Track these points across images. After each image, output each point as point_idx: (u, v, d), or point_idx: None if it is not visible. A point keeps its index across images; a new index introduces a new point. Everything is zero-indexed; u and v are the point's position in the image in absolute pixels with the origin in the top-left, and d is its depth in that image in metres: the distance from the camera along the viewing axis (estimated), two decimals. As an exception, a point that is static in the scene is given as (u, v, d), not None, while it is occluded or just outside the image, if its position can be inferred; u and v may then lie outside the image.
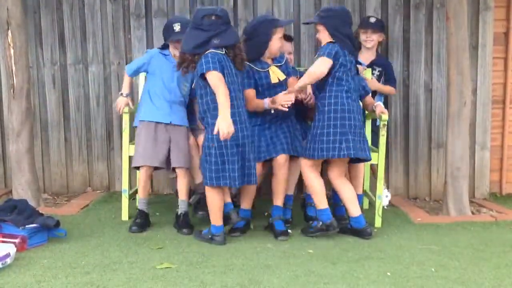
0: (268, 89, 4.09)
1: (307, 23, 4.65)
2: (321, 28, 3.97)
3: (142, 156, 4.16)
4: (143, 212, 4.26)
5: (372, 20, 4.88)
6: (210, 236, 3.87)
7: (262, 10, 5.21)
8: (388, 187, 5.17)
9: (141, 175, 4.21)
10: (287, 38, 4.55)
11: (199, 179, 4.26)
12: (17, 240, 3.58)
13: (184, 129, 4.26)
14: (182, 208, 4.22)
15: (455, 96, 4.52)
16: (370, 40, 4.84)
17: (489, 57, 5.20)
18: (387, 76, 4.93)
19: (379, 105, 4.39)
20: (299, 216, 4.42)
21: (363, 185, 4.62)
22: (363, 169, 4.32)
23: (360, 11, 5.19)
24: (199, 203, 4.33)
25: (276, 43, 4.06)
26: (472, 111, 5.07)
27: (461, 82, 4.50)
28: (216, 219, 3.85)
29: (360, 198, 4.32)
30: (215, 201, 3.82)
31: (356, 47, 4.59)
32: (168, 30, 4.27)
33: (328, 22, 3.93)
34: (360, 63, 4.78)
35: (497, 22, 5.22)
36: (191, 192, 4.39)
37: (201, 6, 5.21)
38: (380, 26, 4.91)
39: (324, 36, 3.96)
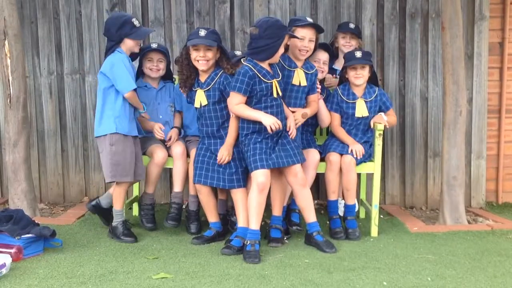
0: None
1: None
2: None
3: None
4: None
5: (352, 25, 4.85)
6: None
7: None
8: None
9: None
10: (323, 47, 4.40)
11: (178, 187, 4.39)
12: (12, 250, 3.58)
13: None
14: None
15: (451, 106, 4.54)
16: (349, 46, 4.75)
17: (485, 66, 5.22)
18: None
19: (379, 116, 4.37)
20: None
21: (359, 194, 4.61)
22: (355, 181, 4.28)
23: (356, 21, 5.21)
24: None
25: (281, 49, 3.89)
26: (468, 120, 5.11)
27: (457, 91, 4.52)
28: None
29: (353, 207, 4.32)
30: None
31: (333, 54, 4.56)
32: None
33: None
34: (335, 70, 4.75)
35: (492, 32, 5.26)
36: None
37: (197, 17, 5.24)
38: (359, 33, 4.90)
39: None
